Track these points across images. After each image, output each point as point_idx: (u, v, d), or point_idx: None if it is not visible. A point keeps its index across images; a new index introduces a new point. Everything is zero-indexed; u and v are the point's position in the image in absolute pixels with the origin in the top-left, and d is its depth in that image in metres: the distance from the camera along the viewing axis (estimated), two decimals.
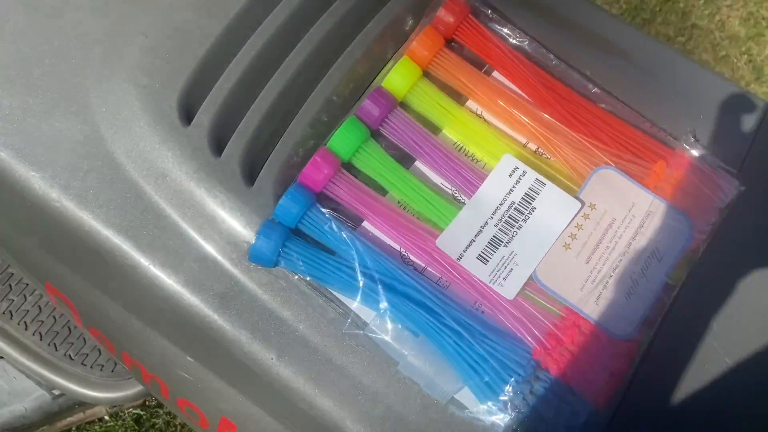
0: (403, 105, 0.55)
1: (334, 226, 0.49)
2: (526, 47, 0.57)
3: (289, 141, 0.52)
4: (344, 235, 0.49)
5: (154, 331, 0.55)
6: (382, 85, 0.54)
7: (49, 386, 1.02)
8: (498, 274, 0.50)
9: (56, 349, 0.99)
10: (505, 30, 0.58)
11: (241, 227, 0.50)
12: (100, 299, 0.56)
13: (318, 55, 0.54)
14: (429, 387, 0.48)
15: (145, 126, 0.51)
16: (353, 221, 0.52)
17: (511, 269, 0.50)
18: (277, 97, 0.52)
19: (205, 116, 0.51)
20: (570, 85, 0.56)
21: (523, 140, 0.55)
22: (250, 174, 0.51)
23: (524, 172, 0.52)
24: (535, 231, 0.51)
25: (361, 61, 0.55)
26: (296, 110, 0.53)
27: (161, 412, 1.31)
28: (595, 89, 0.57)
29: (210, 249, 0.50)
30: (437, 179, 0.54)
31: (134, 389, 0.98)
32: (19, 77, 0.52)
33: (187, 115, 0.51)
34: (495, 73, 0.57)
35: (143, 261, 0.49)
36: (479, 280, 0.50)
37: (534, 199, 0.52)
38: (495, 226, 0.51)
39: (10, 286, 1.01)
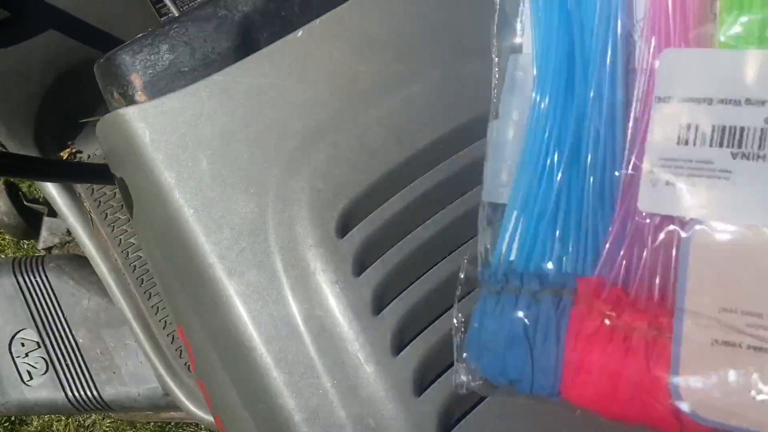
0: None
1: None
2: None
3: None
4: None
5: (249, 417, 0.57)
6: None
7: (161, 386, 1.11)
8: None
9: (180, 356, 1.07)
10: None
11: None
12: (215, 360, 0.59)
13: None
14: None
15: (307, 225, 0.54)
16: None
17: None
18: (425, 241, 0.53)
19: (357, 234, 0.53)
20: None
21: None
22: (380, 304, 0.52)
23: None
24: None
25: None
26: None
27: None
28: None
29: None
30: None
31: None
32: (221, 147, 0.58)
33: (344, 229, 0.54)
34: None
35: (269, 364, 0.52)
36: None
37: None
38: None
39: None
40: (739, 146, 0.35)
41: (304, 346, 0.52)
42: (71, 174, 0.90)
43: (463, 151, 0.55)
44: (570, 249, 0.41)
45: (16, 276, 1.27)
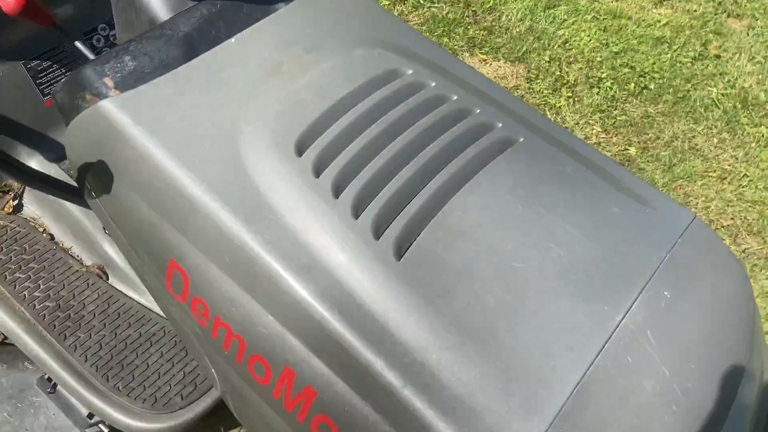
0: None
1: None
2: None
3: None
4: None
5: (248, 296, 0.75)
6: None
7: (94, 412, 1.15)
8: None
9: (108, 380, 1.14)
10: None
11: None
12: (214, 272, 0.77)
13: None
14: None
15: (273, 153, 0.78)
16: None
17: None
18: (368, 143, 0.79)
19: (312, 152, 0.78)
20: None
21: None
22: (336, 190, 0.76)
23: None
24: None
25: None
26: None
27: None
28: None
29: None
30: None
31: (170, 423, 1.11)
32: (187, 112, 0.80)
33: (299, 152, 0.78)
34: None
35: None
36: None
37: None
38: None
39: (80, 324, 1.19)
40: None
41: (274, 213, 0.75)
42: (45, 182, 0.98)
43: (368, 98, 0.84)
44: None
45: None
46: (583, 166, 0.87)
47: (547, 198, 0.82)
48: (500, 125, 0.87)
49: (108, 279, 1.27)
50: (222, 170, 0.77)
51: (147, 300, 1.24)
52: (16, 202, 1.33)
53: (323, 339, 0.71)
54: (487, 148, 0.84)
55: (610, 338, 0.72)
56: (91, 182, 0.89)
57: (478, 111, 0.87)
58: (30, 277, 1.24)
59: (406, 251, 0.75)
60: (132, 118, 0.80)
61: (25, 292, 1.22)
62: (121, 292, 1.25)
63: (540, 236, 0.78)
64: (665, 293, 0.77)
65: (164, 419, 1.12)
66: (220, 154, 0.78)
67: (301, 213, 0.75)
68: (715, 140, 2.32)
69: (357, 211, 0.76)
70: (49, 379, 1.23)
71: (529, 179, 0.83)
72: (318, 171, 0.77)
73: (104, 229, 1.24)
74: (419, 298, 0.72)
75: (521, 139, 0.87)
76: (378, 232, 0.75)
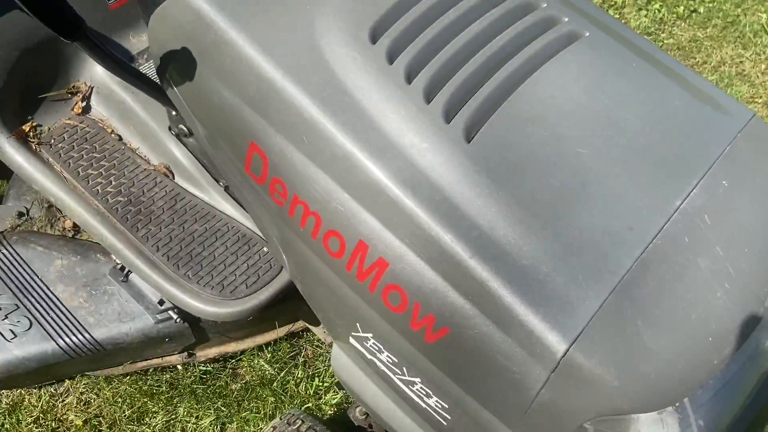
0: None
1: None
2: None
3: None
4: None
5: (325, 175, 0.80)
6: None
7: (166, 297, 1.24)
8: None
9: (179, 269, 1.22)
10: None
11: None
12: (293, 153, 0.82)
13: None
14: None
15: (348, 40, 0.81)
16: None
17: None
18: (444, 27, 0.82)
19: (386, 40, 0.81)
20: None
21: None
22: (408, 76, 0.80)
23: None
24: None
25: None
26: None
27: (223, 375, 1.49)
28: None
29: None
30: None
31: (237, 308, 1.20)
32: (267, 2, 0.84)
33: (373, 39, 0.81)
34: None
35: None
36: None
37: None
38: None
39: (150, 218, 1.27)
40: None
41: (349, 97, 0.79)
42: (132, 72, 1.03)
43: None
44: None
45: None
46: (647, 62, 0.89)
47: (612, 89, 0.85)
48: (566, 20, 0.89)
49: (174, 178, 1.34)
50: (301, 56, 0.81)
51: (210, 198, 1.31)
52: (85, 103, 1.39)
53: (396, 214, 0.77)
54: (554, 40, 0.87)
55: (669, 220, 0.76)
56: (172, 72, 0.93)
57: (545, 5, 0.89)
58: (102, 174, 1.31)
59: (475, 135, 0.79)
60: (216, 4, 0.84)
61: (98, 188, 1.29)
62: (186, 190, 1.32)
63: (604, 125, 0.81)
64: (723, 182, 0.81)
65: (232, 305, 1.20)
66: (300, 41, 0.82)
67: (376, 98, 0.79)
68: (763, 66, 2.28)
69: (429, 97, 0.80)
70: (122, 269, 1.32)
71: (594, 71, 0.86)
72: (391, 58, 0.81)
73: (169, 128, 1.29)
74: (487, 178, 0.76)
75: (587, 34, 0.89)
76: (449, 116, 0.79)
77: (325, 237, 0.84)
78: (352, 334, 0.93)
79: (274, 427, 1.18)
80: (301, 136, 0.81)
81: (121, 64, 0.98)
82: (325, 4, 0.84)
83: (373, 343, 0.89)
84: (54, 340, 1.27)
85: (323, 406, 1.48)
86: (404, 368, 0.87)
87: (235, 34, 0.82)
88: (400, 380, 0.90)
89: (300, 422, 1.16)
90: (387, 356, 0.88)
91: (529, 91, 0.82)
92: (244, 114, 0.86)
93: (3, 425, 1.39)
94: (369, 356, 0.93)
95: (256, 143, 0.86)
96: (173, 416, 1.44)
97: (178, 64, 0.91)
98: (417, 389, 0.88)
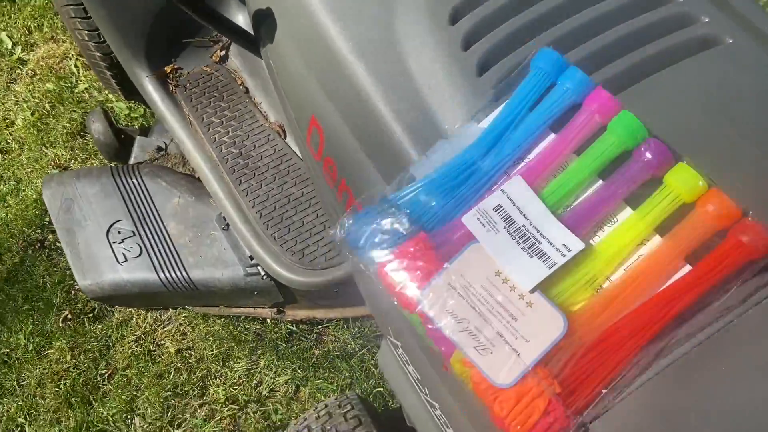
0: None
1: None
2: None
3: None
4: None
5: (372, 163, 0.73)
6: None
7: (250, 251, 1.26)
8: None
9: (267, 228, 1.23)
10: None
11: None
12: (346, 133, 0.76)
13: None
14: None
15: (425, 18, 0.72)
16: None
17: None
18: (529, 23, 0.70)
19: (465, 23, 0.70)
20: None
21: None
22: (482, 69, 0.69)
23: None
24: None
25: None
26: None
27: (308, 338, 1.51)
28: None
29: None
30: None
31: (311, 278, 1.18)
32: None
33: (453, 20, 0.71)
34: None
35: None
36: None
37: None
38: None
39: (254, 174, 1.29)
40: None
41: (412, 82, 0.70)
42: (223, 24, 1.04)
43: None
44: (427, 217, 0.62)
45: (115, 178, 1.45)
46: None
47: (742, 117, 0.66)
48: (706, 20, 0.71)
49: (285, 138, 1.35)
50: (372, 30, 0.74)
51: None
52: (224, 53, 1.44)
53: None
54: (682, 44, 0.70)
55: None
56: (262, 30, 0.91)
57: None
58: (222, 123, 1.35)
59: None
60: None
61: (216, 136, 1.34)
62: (294, 152, 1.32)
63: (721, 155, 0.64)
64: None
65: (306, 274, 1.19)
66: (374, 13, 0.75)
67: (439, 89, 0.70)
68: None
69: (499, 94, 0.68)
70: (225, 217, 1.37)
71: (723, 90, 0.68)
72: (467, 44, 0.70)
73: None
74: None
75: (729, 41, 0.70)
76: None
77: None
78: (389, 337, 0.86)
79: (327, 405, 1.16)
80: (356, 117, 0.74)
81: (222, 20, 0.98)
82: None
83: (402, 353, 0.82)
84: (157, 273, 1.35)
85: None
86: (427, 389, 0.79)
87: None
88: (426, 399, 0.82)
89: (350, 407, 1.13)
90: (413, 370, 0.81)
91: (634, 102, 0.67)
92: (309, 84, 0.81)
93: (110, 336, 1.53)
94: (403, 364, 0.86)
95: (316, 117, 0.81)
96: (255, 366, 1.48)
97: (265, 24, 0.88)
98: (437, 414, 0.79)
